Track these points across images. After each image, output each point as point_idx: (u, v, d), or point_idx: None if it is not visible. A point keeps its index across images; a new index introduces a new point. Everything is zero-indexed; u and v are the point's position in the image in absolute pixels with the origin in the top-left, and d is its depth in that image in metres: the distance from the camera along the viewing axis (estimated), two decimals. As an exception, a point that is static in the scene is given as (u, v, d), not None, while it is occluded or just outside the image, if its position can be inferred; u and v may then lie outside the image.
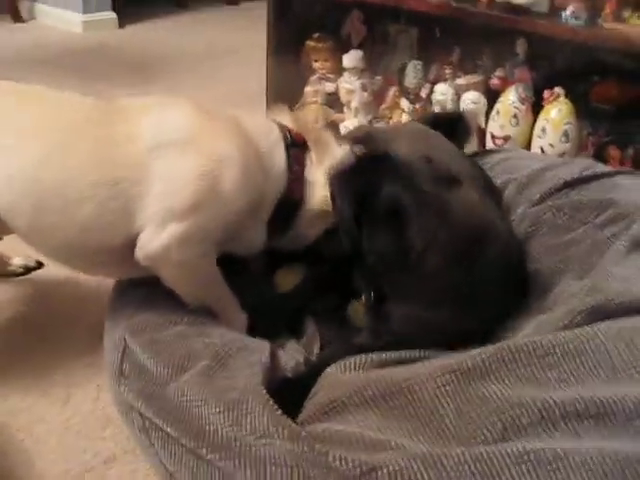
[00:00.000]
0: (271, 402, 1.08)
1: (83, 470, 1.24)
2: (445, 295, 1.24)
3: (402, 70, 2.44)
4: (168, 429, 1.14)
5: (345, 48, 2.55)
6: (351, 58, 2.48)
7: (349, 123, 2.48)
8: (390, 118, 2.46)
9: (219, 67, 3.58)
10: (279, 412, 1.06)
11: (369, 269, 1.30)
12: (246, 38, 4.18)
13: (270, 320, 1.37)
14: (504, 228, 1.35)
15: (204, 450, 1.10)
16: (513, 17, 1.98)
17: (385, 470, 0.93)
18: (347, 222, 1.26)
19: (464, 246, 1.23)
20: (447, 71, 2.29)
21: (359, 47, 2.54)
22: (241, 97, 3.03)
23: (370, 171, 1.27)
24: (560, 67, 2.13)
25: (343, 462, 0.96)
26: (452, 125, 1.70)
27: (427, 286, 1.24)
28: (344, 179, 1.29)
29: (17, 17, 4.41)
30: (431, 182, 1.23)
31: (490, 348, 1.10)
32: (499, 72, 2.19)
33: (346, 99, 2.53)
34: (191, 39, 4.19)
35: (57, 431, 1.31)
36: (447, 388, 1.09)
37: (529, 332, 1.20)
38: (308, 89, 2.61)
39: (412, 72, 2.38)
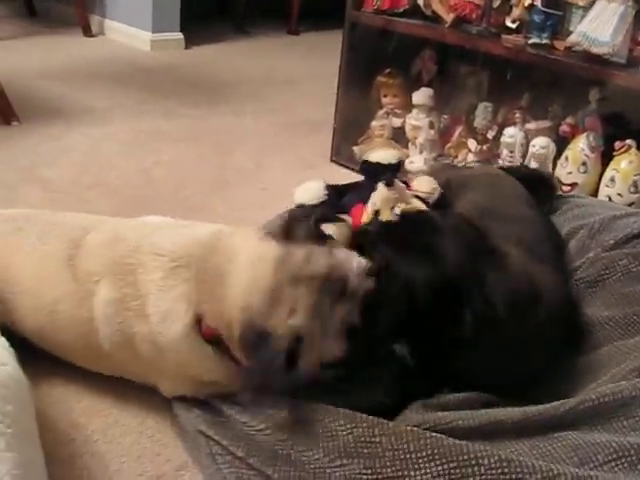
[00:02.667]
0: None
1: (155, 475, 1.25)
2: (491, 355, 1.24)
3: (471, 111, 2.47)
4: (237, 452, 1.18)
5: (414, 85, 2.60)
6: (421, 95, 2.52)
7: (414, 159, 2.52)
8: (455, 157, 2.49)
9: (281, 94, 3.64)
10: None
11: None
12: (307, 68, 4.27)
13: None
14: (547, 291, 1.31)
15: (271, 469, 1.13)
16: (591, 67, 2.01)
17: None
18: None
19: (497, 319, 1.21)
20: (517, 115, 2.32)
21: (428, 85, 2.58)
22: (305, 126, 3.09)
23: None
24: (631, 118, 2.15)
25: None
26: (537, 181, 1.76)
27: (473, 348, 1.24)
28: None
29: (87, 31, 4.55)
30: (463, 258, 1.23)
31: (572, 400, 1.13)
32: (569, 119, 2.22)
33: (412, 135, 2.57)
34: (253, 65, 4.27)
35: (131, 434, 1.33)
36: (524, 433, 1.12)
37: (606, 379, 1.22)
38: (375, 123, 2.66)
39: (482, 113, 2.41)
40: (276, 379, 1.12)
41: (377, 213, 1.46)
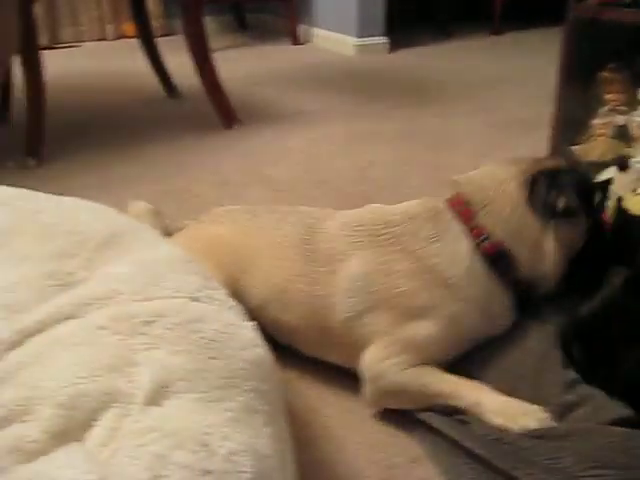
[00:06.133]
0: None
1: (388, 464, 1.26)
2: None
3: None
4: (481, 452, 1.17)
5: (641, 81, 2.46)
6: (649, 91, 2.39)
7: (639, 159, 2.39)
8: (688, 156, 2.33)
9: (490, 94, 3.59)
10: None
11: None
12: (513, 67, 4.19)
13: None
14: None
15: (518, 472, 1.11)
16: None
17: None
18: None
19: None
20: None
21: (656, 80, 2.44)
22: (517, 125, 3.03)
23: None
24: None
25: None
26: None
27: None
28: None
29: (295, 40, 4.75)
30: None
31: None
32: None
33: (637, 134, 2.43)
34: (458, 66, 4.26)
35: (364, 423, 1.36)
36: None
37: None
38: (597, 121, 2.54)
39: None
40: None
41: (619, 199, 1.38)
